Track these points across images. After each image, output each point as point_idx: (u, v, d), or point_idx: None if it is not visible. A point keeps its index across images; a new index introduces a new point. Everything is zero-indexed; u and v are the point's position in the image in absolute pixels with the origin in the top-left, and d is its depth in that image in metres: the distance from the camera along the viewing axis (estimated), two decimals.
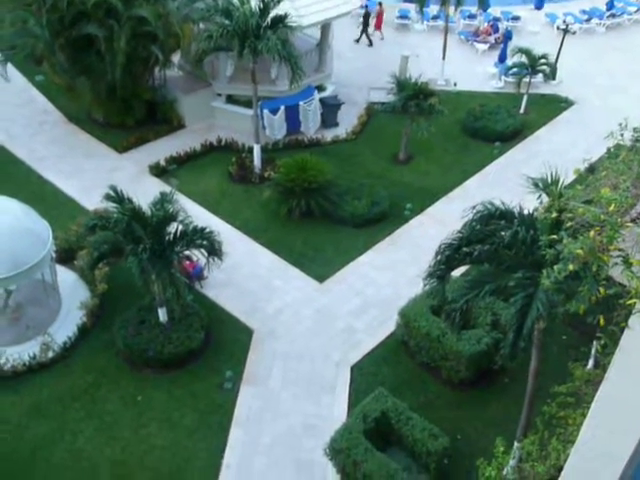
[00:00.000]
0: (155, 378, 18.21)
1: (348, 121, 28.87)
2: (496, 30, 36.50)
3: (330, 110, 28.54)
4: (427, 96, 25.56)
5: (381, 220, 23.76)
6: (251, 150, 25.74)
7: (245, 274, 21.50)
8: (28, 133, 27.58)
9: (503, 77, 32.42)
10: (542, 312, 12.14)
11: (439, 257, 13.81)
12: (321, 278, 21.59)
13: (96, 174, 25.06)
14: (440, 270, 13.89)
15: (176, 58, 28.67)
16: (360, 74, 32.29)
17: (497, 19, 37.64)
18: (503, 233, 13.18)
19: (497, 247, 13.13)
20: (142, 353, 18.20)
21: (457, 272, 16.24)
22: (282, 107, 27.08)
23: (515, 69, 30.28)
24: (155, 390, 17.94)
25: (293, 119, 27.53)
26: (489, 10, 36.51)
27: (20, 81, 30.39)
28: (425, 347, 18.48)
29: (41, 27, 24.51)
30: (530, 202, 13.74)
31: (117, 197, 17.65)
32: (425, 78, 27.07)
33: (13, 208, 18.36)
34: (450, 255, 13.67)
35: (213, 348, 19.08)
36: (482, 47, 35.55)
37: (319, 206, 23.31)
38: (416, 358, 18.88)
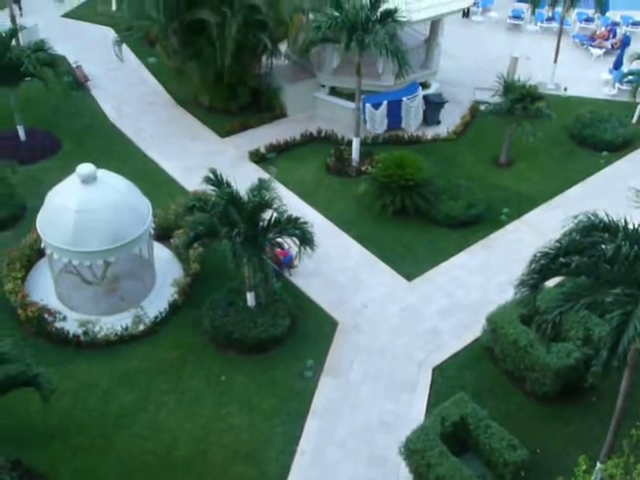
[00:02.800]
0: (238, 360, 18.56)
1: (450, 120, 28.47)
2: (614, 35, 35.09)
3: (433, 108, 28.20)
4: (535, 99, 24.90)
5: (476, 223, 23.33)
6: (350, 143, 25.78)
7: (334, 266, 21.58)
8: (137, 112, 28.58)
9: (617, 84, 31.13)
10: None
11: (534, 265, 13.47)
12: (410, 276, 21.42)
13: (198, 156, 25.72)
14: (534, 278, 13.54)
15: (283, 47, 29.00)
16: (467, 73, 31.74)
17: (616, 23, 36.20)
18: (604, 246, 12.71)
19: (597, 260, 12.68)
20: (228, 335, 18.58)
21: (551, 282, 15.80)
22: (385, 102, 26.96)
23: (631, 76, 29.00)
24: (237, 372, 18.29)
25: (395, 115, 27.37)
26: (608, 14, 35.16)
27: (134, 62, 31.55)
28: (511, 356, 18.05)
29: (157, 10, 25.29)
30: (636, 217, 13.16)
31: (216, 180, 18.08)
32: (534, 81, 26.39)
33: (118, 184, 19.03)
34: (545, 264, 13.32)
35: (297, 336, 19.27)
36: (597, 52, 34.23)
37: (414, 204, 23.10)
38: (500, 366, 18.47)
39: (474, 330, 19.46)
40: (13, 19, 29.32)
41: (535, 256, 13.50)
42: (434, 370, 18.57)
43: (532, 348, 17.37)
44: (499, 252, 22.37)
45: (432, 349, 19.15)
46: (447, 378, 18.35)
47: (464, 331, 19.66)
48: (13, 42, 25.59)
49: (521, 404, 17.71)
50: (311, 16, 26.47)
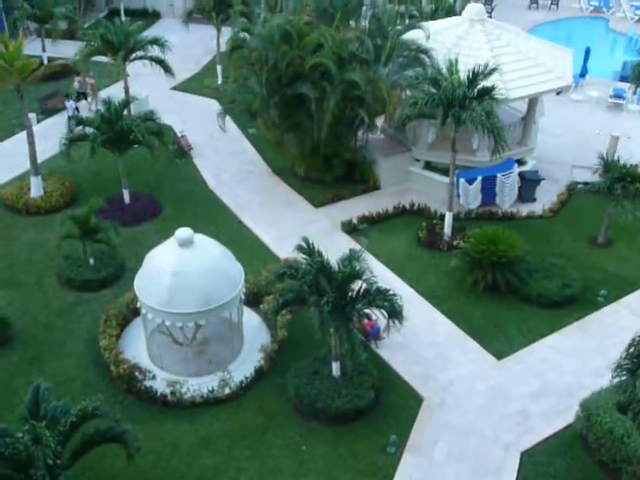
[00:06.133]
0: (320, 430, 18.38)
1: (546, 198, 28.06)
2: None
3: (528, 185, 27.91)
4: (635, 179, 24.32)
5: (571, 303, 22.61)
6: (442, 217, 25.75)
7: (422, 340, 21.29)
8: (235, 180, 29.61)
9: None
10: None
11: (632, 349, 12.99)
12: (500, 355, 20.86)
13: (291, 225, 26.25)
14: (632, 364, 13.02)
15: (380, 121, 29.57)
16: (565, 151, 31.39)
17: None
18: None
19: None
20: (311, 404, 18.48)
21: None
22: (479, 177, 26.89)
23: None
24: (319, 442, 18.09)
25: (489, 190, 27.22)
26: None
27: (235, 133, 32.87)
28: (606, 446, 17.12)
29: (260, 85, 26.45)
30: None
31: (308, 249, 18.33)
32: (635, 161, 25.79)
33: (213, 249, 19.56)
34: None
35: (380, 409, 18.96)
36: None
37: (506, 281, 22.67)
38: (594, 456, 17.53)
39: (566, 415, 18.65)
40: (126, 91, 31.23)
41: (634, 340, 13.02)
42: (522, 455, 17.82)
43: (629, 439, 16.46)
44: (595, 335, 21.53)
45: (521, 432, 18.43)
46: (536, 464, 17.56)
47: (555, 416, 18.86)
48: (125, 112, 27.25)
49: None
50: (408, 92, 27.03)
